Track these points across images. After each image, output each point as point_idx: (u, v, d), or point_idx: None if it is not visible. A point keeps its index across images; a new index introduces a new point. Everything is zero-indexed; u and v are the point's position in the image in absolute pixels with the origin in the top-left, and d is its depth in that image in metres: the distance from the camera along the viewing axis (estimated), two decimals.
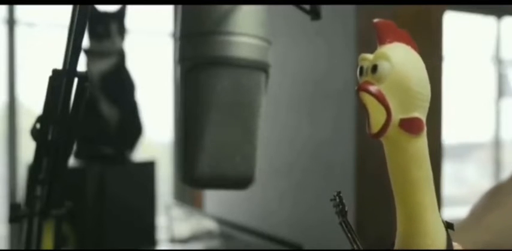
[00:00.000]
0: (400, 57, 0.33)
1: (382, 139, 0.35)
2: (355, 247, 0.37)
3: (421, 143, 0.35)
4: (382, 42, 0.34)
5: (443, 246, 0.35)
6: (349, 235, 0.37)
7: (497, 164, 3.54)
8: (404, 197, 0.35)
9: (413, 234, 0.35)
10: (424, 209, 0.35)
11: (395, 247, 0.36)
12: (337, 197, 0.38)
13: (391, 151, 0.35)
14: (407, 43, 0.35)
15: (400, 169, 0.35)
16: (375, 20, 0.35)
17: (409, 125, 0.33)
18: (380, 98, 0.33)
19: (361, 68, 0.34)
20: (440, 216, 0.36)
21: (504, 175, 3.52)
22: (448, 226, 0.36)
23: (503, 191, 0.69)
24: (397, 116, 0.33)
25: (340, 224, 0.38)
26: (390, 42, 0.34)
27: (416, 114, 0.34)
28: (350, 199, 1.09)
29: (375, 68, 0.33)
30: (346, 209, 0.38)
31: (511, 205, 0.65)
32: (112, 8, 1.22)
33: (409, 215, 0.35)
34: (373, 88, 0.33)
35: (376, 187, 1.09)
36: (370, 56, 0.34)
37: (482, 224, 0.63)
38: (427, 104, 0.34)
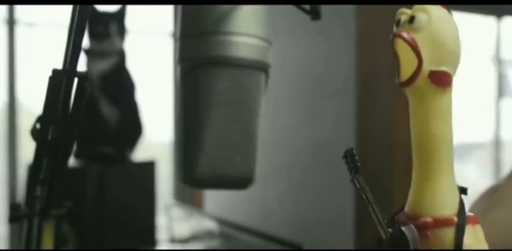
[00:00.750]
0: (438, 13, 0.34)
1: (408, 91, 0.34)
2: (368, 202, 0.36)
3: (447, 98, 0.34)
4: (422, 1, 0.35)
5: (454, 208, 0.34)
6: (362, 191, 0.36)
7: (497, 164, 3.54)
8: (423, 153, 0.34)
9: (426, 191, 0.34)
10: (440, 168, 0.34)
11: (407, 205, 0.36)
12: (348, 155, 0.37)
13: (416, 103, 0.34)
14: (445, 9, 0.35)
15: (423, 122, 0.34)
16: None
17: (438, 78, 0.33)
18: (413, 46, 0.33)
19: (398, 21, 0.35)
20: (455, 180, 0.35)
21: (504, 175, 3.51)
22: (463, 190, 0.35)
23: (502, 191, 0.68)
24: (427, 67, 0.33)
25: (352, 180, 0.36)
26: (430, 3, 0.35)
27: (446, 69, 0.34)
28: (350, 199, 1.09)
29: (412, 19, 0.34)
30: (358, 165, 0.36)
31: (509, 205, 0.65)
32: (112, 8, 1.22)
33: (425, 172, 0.34)
34: (407, 35, 0.33)
35: (376, 187, 1.09)
36: (408, 10, 0.35)
37: (482, 223, 0.63)
38: (457, 63, 0.34)
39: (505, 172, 3.52)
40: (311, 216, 1.19)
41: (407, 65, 0.33)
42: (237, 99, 0.37)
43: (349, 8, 1.07)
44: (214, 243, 1.23)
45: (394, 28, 0.35)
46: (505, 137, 3.53)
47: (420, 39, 0.33)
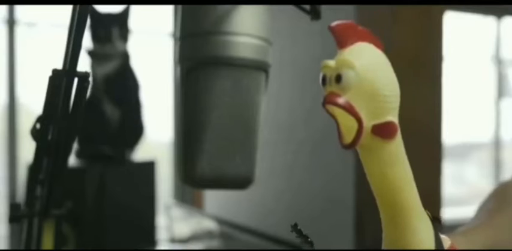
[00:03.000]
0: (364, 63, 0.31)
1: (355, 148, 0.33)
2: None
3: (397, 145, 0.33)
4: (343, 46, 0.33)
5: (431, 244, 0.34)
6: None
7: (497, 164, 3.54)
8: (385, 201, 0.34)
9: (398, 234, 0.34)
10: (406, 210, 0.34)
11: (383, 245, 0.35)
12: (295, 231, 0.37)
13: (366, 157, 0.33)
14: (370, 41, 0.33)
15: (377, 173, 0.33)
16: (332, 24, 0.33)
17: (383, 131, 0.32)
18: (349, 110, 0.31)
19: (324, 77, 0.32)
20: (427, 212, 0.35)
21: (504, 175, 3.52)
22: (435, 220, 0.35)
23: (510, 191, 0.68)
24: (368, 123, 0.32)
25: None
26: (352, 43, 0.32)
27: (388, 118, 0.32)
28: (350, 199, 1.09)
29: (339, 78, 0.31)
30: (309, 239, 0.37)
31: None
32: (115, 10, 1.22)
33: (392, 217, 0.34)
34: (340, 100, 0.31)
35: None
36: (332, 63, 0.32)
37: (492, 224, 0.62)
38: (397, 105, 0.33)
39: (504, 171, 3.52)
40: (311, 216, 1.19)
41: (347, 126, 0.32)
42: (237, 100, 0.37)
43: (349, 8, 1.07)
44: (214, 243, 1.23)
45: (321, 84, 0.33)
46: (505, 137, 3.53)
47: (353, 98, 0.31)
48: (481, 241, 0.58)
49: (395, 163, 0.33)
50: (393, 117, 0.32)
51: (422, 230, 0.34)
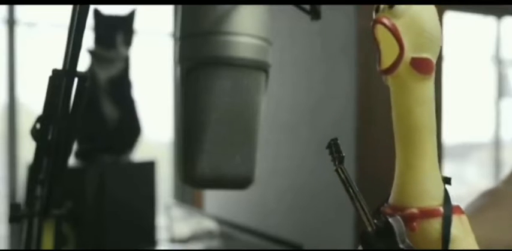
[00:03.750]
0: None
1: (389, 78, 0.34)
2: (352, 193, 0.35)
3: (429, 85, 0.34)
4: None
5: (439, 198, 0.34)
6: (346, 181, 0.36)
7: (497, 164, 3.54)
8: (405, 141, 0.34)
9: (410, 180, 0.34)
10: (423, 156, 0.34)
11: (391, 195, 0.35)
12: (332, 145, 0.37)
13: (398, 91, 0.34)
14: None
15: (405, 110, 0.34)
16: None
17: (420, 64, 0.33)
18: (394, 32, 0.32)
19: (378, 7, 0.34)
20: (440, 170, 0.35)
21: (504, 175, 3.51)
22: (446, 180, 0.35)
23: (499, 193, 0.68)
24: (408, 54, 0.33)
25: (336, 171, 0.36)
26: None
27: (427, 55, 0.33)
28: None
29: (392, 5, 0.33)
30: (342, 155, 0.36)
31: (506, 207, 0.65)
32: (121, 13, 1.22)
33: (408, 161, 0.34)
34: (388, 21, 0.32)
35: (376, 187, 1.10)
36: None
37: (476, 221, 0.63)
38: (438, 49, 0.34)
39: (505, 172, 3.52)
40: (311, 216, 1.19)
41: (388, 52, 0.33)
42: (237, 99, 0.37)
43: (349, 8, 1.07)
44: (214, 243, 1.23)
45: (374, 14, 0.34)
46: (505, 137, 3.53)
47: (401, 25, 0.32)
48: None
49: (424, 102, 0.33)
50: (432, 57, 0.33)
51: (434, 180, 0.34)
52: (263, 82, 0.39)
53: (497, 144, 3.52)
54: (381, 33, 0.33)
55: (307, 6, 0.41)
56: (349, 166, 1.07)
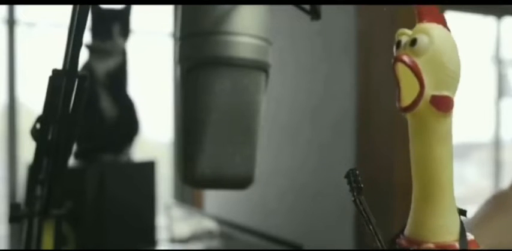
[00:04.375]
0: (439, 34, 0.33)
1: (409, 116, 0.34)
2: (370, 227, 0.35)
3: (449, 122, 0.34)
4: (423, 19, 0.34)
5: (455, 232, 0.34)
6: (364, 213, 0.36)
7: (497, 164, 3.54)
8: (423, 176, 0.34)
9: (427, 214, 0.34)
10: (441, 191, 0.34)
11: (407, 228, 0.35)
12: (351, 175, 0.37)
13: (417, 127, 0.34)
14: (445, 26, 0.34)
15: (424, 146, 0.34)
16: (418, 7, 0.35)
17: (441, 103, 0.33)
18: (415, 70, 0.32)
19: (399, 42, 0.34)
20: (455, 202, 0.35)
21: (504, 175, 3.52)
22: (461, 212, 0.35)
23: (506, 197, 0.68)
24: (429, 92, 0.33)
25: (354, 201, 0.36)
26: (429, 21, 0.34)
27: (447, 93, 0.33)
28: (350, 199, 1.09)
29: (413, 42, 0.33)
30: (361, 186, 0.36)
31: None
32: (116, 7, 1.22)
33: (426, 195, 0.34)
34: (409, 59, 0.33)
35: (377, 188, 1.09)
36: (409, 31, 0.34)
37: (487, 230, 0.62)
38: (457, 85, 0.34)
39: (504, 171, 3.52)
40: (311, 216, 1.19)
41: (408, 89, 0.33)
42: (237, 99, 0.37)
43: (349, 8, 1.07)
44: (214, 243, 1.23)
45: (394, 50, 0.34)
46: (505, 137, 3.53)
47: (422, 63, 0.33)
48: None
49: (444, 140, 0.34)
50: (452, 94, 0.33)
51: (451, 214, 0.34)
52: (263, 82, 0.39)
53: (497, 144, 3.52)
54: (402, 70, 0.33)
55: (307, 6, 0.41)
56: (350, 166, 1.07)
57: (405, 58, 0.33)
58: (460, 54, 0.34)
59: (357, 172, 0.36)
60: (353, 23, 1.06)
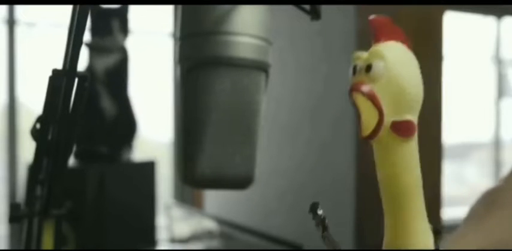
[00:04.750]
0: (395, 57, 0.32)
1: (372, 142, 0.33)
2: None
3: (412, 146, 0.33)
4: (378, 40, 0.33)
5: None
6: (331, 247, 0.36)
7: (497, 164, 3.54)
8: (393, 203, 0.34)
9: (400, 243, 0.34)
10: (412, 217, 0.34)
11: (383, 248, 0.35)
12: (314, 210, 0.37)
13: (381, 154, 0.33)
14: (403, 41, 0.33)
15: (390, 173, 0.33)
16: (371, 16, 0.34)
17: (402, 128, 0.32)
18: (372, 99, 0.31)
19: (354, 68, 0.33)
20: (428, 222, 0.35)
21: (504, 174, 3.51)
22: (436, 232, 0.35)
23: (500, 193, 0.68)
24: (389, 118, 0.32)
25: (323, 238, 0.36)
26: (385, 40, 0.33)
27: (408, 117, 0.32)
28: (350, 199, 1.09)
29: (369, 68, 0.32)
30: (326, 222, 0.36)
31: (507, 208, 0.64)
32: (116, 5, 1.22)
33: (397, 223, 0.34)
34: (366, 88, 0.32)
35: (376, 187, 1.10)
36: (364, 55, 0.33)
37: (482, 229, 0.62)
38: (419, 107, 0.33)
39: (505, 172, 3.53)
40: (311, 216, 1.19)
41: (368, 118, 0.32)
42: (237, 99, 0.37)
43: (349, 8, 1.07)
44: (214, 243, 1.23)
45: (350, 75, 0.33)
46: (505, 137, 3.53)
47: (379, 89, 0.31)
48: (471, 247, 0.58)
49: (408, 165, 0.33)
50: (413, 118, 0.33)
51: (424, 236, 0.34)
52: (263, 82, 0.39)
53: (497, 144, 3.52)
54: (359, 99, 0.32)
55: (307, 6, 0.41)
56: (350, 166, 1.07)
57: (362, 88, 0.32)
58: (419, 73, 0.33)
59: (319, 207, 0.37)
60: (353, 23, 1.06)
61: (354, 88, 0.32)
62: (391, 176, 0.33)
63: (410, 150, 0.33)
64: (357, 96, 0.32)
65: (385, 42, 0.33)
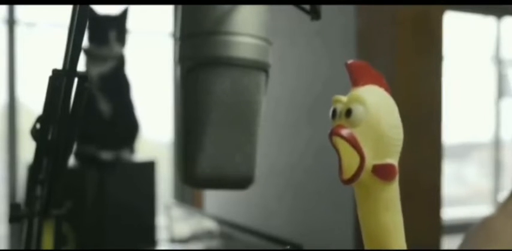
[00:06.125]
0: (374, 102, 0.32)
1: (353, 185, 0.33)
2: None
3: (393, 188, 0.34)
4: (356, 84, 0.33)
5: None
6: None
7: (497, 164, 3.54)
8: (374, 243, 0.34)
9: None
10: None
11: None
12: None
13: (362, 196, 0.34)
14: (381, 85, 0.34)
15: (370, 214, 0.34)
16: (349, 62, 0.34)
17: (383, 172, 0.32)
18: (353, 143, 0.32)
19: (334, 111, 0.33)
20: None
21: (504, 175, 3.52)
22: None
23: (494, 225, 0.67)
24: (370, 161, 0.32)
25: None
26: (364, 84, 0.33)
27: (389, 161, 0.33)
28: (350, 199, 1.09)
29: (349, 112, 0.32)
30: None
31: (504, 240, 0.64)
32: (114, 12, 1.22)
33: None
34: (346, 132, 0.32)
35: None
36: (343, 99, 0.33)
37: None
38: (399, 149, 0.33)
39: (504, 172, 3.52)
40: (311, 216, 1.19)
41: (349, 161, 0.32)
42: (237, 99, 0.37)
43: (349, 8, 1.07)
44: (214, 243, 1.23)
45: (330, 118, 0.34)
46: (505, 137, 3.53)
47: (359, 133, 0.32)
48: None
49: (389, 207, 0.33)
50: (394, 161, 0.33)
51: None
52: (263, 82, 0.39)
53: (497, 144, 3.52)
54: (340, 143, 0.32)
55: (307, 6, 0.41)
56: None
57: (342, 132, 0.32)
58: (398, 116, 0.33)
59: None
60: (353, 23, 1.07)
61: (335, 132, 0.32)
62: (372, 217, 0.34)
63: (391, 192, 0.33)
64: (337, 140, 0.32)
65: (364, 87, 0.33)
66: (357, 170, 0.32)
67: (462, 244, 0.67)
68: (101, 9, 1.20)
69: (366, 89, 0.33)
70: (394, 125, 0.33)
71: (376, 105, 0.32)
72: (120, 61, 1.22)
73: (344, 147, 0.32)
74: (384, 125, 0.32)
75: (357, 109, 0.32)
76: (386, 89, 0.33)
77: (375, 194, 0.33)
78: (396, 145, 0.33)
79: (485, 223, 0.68)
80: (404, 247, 0.34)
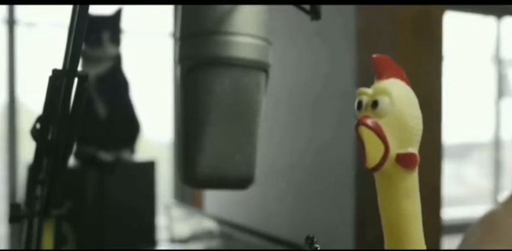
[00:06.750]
0: (399, 94, 0.34)
1: (376, 174, 0.35)
2: None
3: (414, 177, 0.35)
4: (380, 77, 0.35)
5: None
6: None
7: (497, 164, 3.54)
8: (393, 231, 0.35)
9: None
10: (411, 243, 0.35)
11: None
12: (309, 242, 0.38)
13: (384, 184, 0.35)
14: (403, 79, 0.35)
15: (392, 202, 0.35)
16: (374, 55, 0.35)
17: (406, 160, 0.34)
18: (379, 132, 0.33)
19: (360, 103, 0.35)
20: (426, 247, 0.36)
21: (504, 175, 3.52)
22: None
23: (497, 220, 0.67)
24: (394, 151, 0.34)
25: None
26: (387, 77, 0.35)
27: (411, 150, 0.34)
28: (350, 199, 1.09)
29: (375, 104, 0.34)
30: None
31: (506, 236, 0.64)
32: (107, 13, 1.22)
33: (396, 247, 0.35)
34: (371, 122, 0.34)
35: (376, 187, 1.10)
36: (369, 91, 0.35)
37: None
38: (419, 139, 0.35)
39: (504, 172, 3.52)
40: (311, 216, 1.19)
41: (373, 150, 0.34)
42: (237, 99, 0.37)
43: (349, 8, 1.07)
44: (214, 243, 1.23)
45: (356, 110, 0.35)
46: (505, 137, 3.53)
47: (385, 124, 0.34)
48: None
49: (410, 195, 0.35)
50: (415, 150, 0.35)
51: None
52: (263, 82, 0.39)
53: (497, 144, 3.52)
54: (365, 133, 0.34)
55: (307, 6, 0.41)
56: (349, 165, 1.07)
57: (368, 122, 0.34)
58: (418, 108, 0.35)
59: (315, 239, 0.38)
60: (353, 23, 1.06)
61: (361, 122, 0.34)
62: (392, 205, 0.35)
63: (412, 180, 0.35)
64: (362, 130, 0.34)
65: (388, 80, 0.35)
66: (382, 159, 0.33)
67: (464, 238, 0.67)
68: (95, 10, 1.20)
69: (390, 82, 0.35)
70: (415, 115, 0.34)
71: (400, 97, 0.34)
72: (116, 61, 1.22)
73: (369, 137, 0.34)
74: (407, 116, 0.34)
75: (383, 101, 0.34)
76: (407, 83, 0.35)
77: (397, 183, 0.34)
78: (417, 134, 0.34)
79: (487, 216, 0.69)
80: (422, 233, 0.35)
